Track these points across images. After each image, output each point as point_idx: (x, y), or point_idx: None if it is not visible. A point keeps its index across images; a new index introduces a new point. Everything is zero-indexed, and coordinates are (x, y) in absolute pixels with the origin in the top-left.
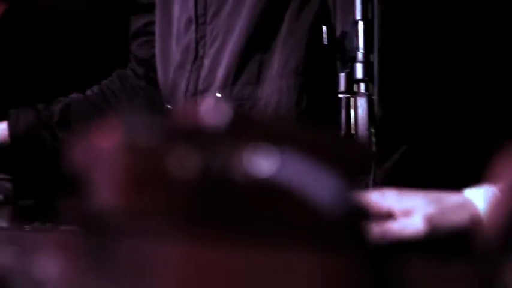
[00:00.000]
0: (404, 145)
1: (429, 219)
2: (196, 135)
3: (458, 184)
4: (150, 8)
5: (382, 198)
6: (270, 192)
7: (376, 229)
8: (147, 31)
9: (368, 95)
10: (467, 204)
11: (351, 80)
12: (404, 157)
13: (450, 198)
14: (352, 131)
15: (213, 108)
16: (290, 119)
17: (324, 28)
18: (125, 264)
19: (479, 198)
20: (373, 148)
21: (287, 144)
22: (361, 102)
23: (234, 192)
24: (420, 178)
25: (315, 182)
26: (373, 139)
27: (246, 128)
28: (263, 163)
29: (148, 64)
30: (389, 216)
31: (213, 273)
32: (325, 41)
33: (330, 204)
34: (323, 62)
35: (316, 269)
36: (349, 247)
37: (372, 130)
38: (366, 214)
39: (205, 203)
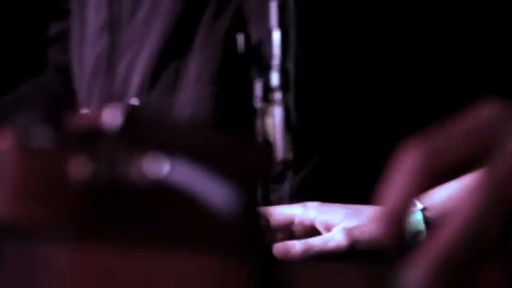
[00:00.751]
0: (321, 153)
1: (349, 233)
2: (89, 139)
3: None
4: (68, 14)
5: (304, 211)
6: (163, 197)
7: (299, 244)
8: (65, 37)
9: (284, 103)
10: None
11: (267, 89)
12: (320, 165)
13: (369, 211)
14: (269, 139)
15: (107, 113)
16: (193, 124)
17: (240, 36)
18: (14, 271)
19: None
20: (290, 156)
21: (183, 148)
22: (277, 111)
23: (126, 196)
24: (336, 187)
25: (209, 187)
26: (290, 147)
27: (142, 132)
28: (156, 167)
29: (66, 71)
30: (311, 228)
31: (106, 279)
32: (241, 49)
33: (224, 209)
34: (239, 70)
35: (209, 275)
36: (244, 253)
37: (288, 138)
38: (263, 221)
39: (96, 208)
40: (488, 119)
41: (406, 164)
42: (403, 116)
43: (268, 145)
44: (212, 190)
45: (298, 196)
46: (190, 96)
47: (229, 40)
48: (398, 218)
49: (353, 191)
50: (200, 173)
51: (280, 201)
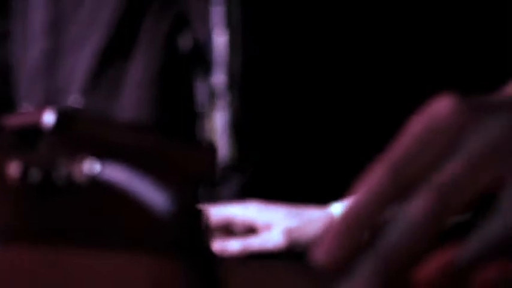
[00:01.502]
0: (265, 154)
1: (288, 233)
2: (23, 138)
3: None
4: (10, 12)
5: (245, 211)
6: (99, 197)
7: (238, 244)
8: (6, 35)
9: (228, 104)
10: (326, 218)
11: (212, 90)
12: (264, 166)
13: (310, 212)
14: (212, 141)
15: (44, 112)
16: (132, 125)
17: (184, 37)
18: None
19: (339, 210)
20: (235, 157)
21: (119, 148)
22: (222, 112)
23: (60, 196)
24: (281, 187)
25: (146, 186)
26: (234, 149)
27: (78, 131)
28: (92, 167)
29: (7, 70)
30: (251, 229)
31: (39, 278)
32: (185, 50)
33: (161, 208)
34: (182, 72)
35: (145, 274)
36: (181, 253)
37: (233, 140)
38: (202, 221)
39: (29, 207)
40: (446, 119)
41: (370, 182)
42: (347, 116)
43: (210, 146)
44: (150, 190)
45: (243, 197)
46: (132, 98)
47: (172, 42)
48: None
49: (297, 191)
50: (137, 172)
51: (225, 202)
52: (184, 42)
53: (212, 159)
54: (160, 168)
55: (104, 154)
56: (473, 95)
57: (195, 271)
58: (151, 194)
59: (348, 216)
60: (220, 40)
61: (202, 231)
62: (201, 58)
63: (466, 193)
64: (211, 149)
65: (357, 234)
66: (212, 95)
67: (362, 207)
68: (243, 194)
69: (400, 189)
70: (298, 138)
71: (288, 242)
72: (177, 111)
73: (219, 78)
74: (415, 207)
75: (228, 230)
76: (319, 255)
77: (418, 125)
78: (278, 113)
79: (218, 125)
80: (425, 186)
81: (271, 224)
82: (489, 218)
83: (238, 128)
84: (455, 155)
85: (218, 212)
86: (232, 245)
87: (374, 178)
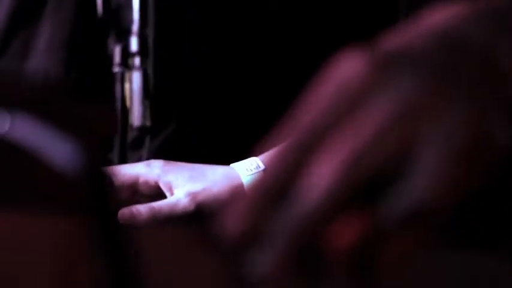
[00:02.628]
0: (179, 119)
1: (195, 197)
2: None
3: (236, 157)
4: None
5: (148, 170)
6: (2, 154)
7: (144, 210)
8: None
9: (143, 68)
10: (230, 177)
11: (126, 54)
12: (177, 131)
13: (214, 171)
14: (127, 105)
15: None
16: (37, 83)
17: (99, 0)
18: None
19: (243, 169)
20: (148, 122)
21: (23, 105)
22: (136, 76)
23: None
24: (193, 153)
25: (51, 144)
26: (148, 113)
27: None
28: None
29: None
30: (155, 188)
31: None
32: (99, 14)
33: (66, 167)
34: (96, 35)
35: (50, 234)
36: (86, 213)
37: (146, 104)
38: (107, 181)
39: None
40: (353, 82)
41: (280, 151)
42: (259, 83)
43: (111, 106)
44: (54, 148)
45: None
46: (41, 62)
47: (86, 5)
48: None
49: (209, 157)
50: (42, 130)
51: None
52: (100, 5)
53: (113, 119)
54: (64, 127)
55: (9, 110)
56: (379, 40)
57: (101, 232)
58: (57, 152)
59: (258, 188)
60: (135, 3)
61: (108, 192)
62: (116, 21)
63: (376, 157)
64: (112, 108)
65: (267, 205)
66: (127, 59)
67: (272, 178)
68: (157, 156)
69: (308, 155)
70: (211, 101)
71: (195, 206)
72: (91, 74)
73: (134, 41)
74: (324, 171)
75: (132, 189)
76: (228, 226)
77: (324, 87)
78: (191, 77)
79: (133, 88)
80: (334, 151)
81: (174, 185)
82: (404, 183)
83: (152, 91)
84: (364, 119)
85: (121, 172)
86: (139, 212)
87: (284, 147)
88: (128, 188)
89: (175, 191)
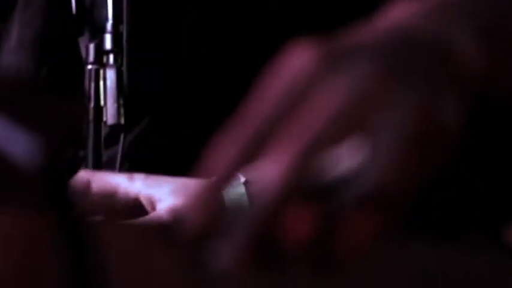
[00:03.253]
0: (152, 116)
1: (176, 212)
2: None
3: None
4: None
5: (130, 183)
6: None
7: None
8: None
9: (117, 66)
10: None
11: (100, 51)
12: (151, 128)
13: (197, 185)
14: (101, 103)
15: None
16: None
17: None
18: None
19: None
20: (122, 119)
21: None
22: (110, 74)
23: None
24: (166, 150)
25: (12, 138)
26: (121, 110)
27: None
28: None
29: None
30: (134, 201)
31: None
32: (73, 11)
33: (27, 161)
34: (70, 32)
35: (9, 229)
36: (46, 208)
37: (120, 101)
38: (69, 176)
39: None
40: (303, 74)
41: (231, 143)
42: (231, 81)
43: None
44: (15, 142)
45: (129, 158)
46: (12, 59)
47: (58, 2)
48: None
49: (183, 154)
50: (3, 125)
51: (111, 164)
52: (72, 2)
53: (81, 116)
54: (27, 121)
55: None
56: (330, 36)
57: (62, 228)
58: (18, 146)
59: (211, 184)
60: (108, 1)
61: (67, 186)
62: (90, 18)
63: (330, 144)
64: (80, 104)
65: (218, 203)
66: (101, 56)
67: (223, 172)
68: (131, 155)
69: (259, 150)
70: (185, 98)
71: (174, 219)
72: (63, 71)
73: (106, 38)
74: (277, 165)
75: (111, 199)
76: (187, 220)
77: (274, 81)
78: (166, 74)
79: (106, 86)
80: (285, 143)
81: (155, 199)
82: (359, 171)
83: (126, 88)
84: (315, 110)
85: (102, 180)
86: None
87: (232, 142)
88: (106, 196)
89: (157, 206)
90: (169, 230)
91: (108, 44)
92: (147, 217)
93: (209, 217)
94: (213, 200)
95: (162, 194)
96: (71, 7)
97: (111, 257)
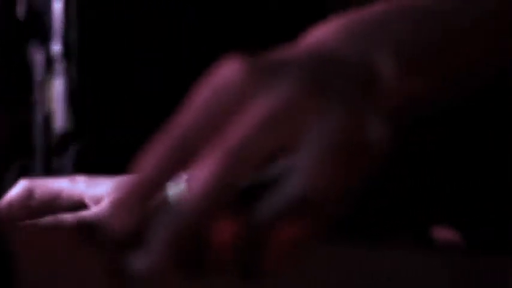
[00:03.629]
0: (103, 124)
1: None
2: None
3: None
4: None
5: (73, 185)
6: None
7: (71, 218)
8: None
9: (67, 73)
10: None
11: (49, 59)
12: (101, 136)
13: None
14: (50, 111)
15: None
16: None
17: (20, 4)
18: None
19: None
20: (71, 128)
21: None
22: (59, 82)
23: None
24: (116, 158)
25: None
26: (71, 118)
27: None
28: None
29: None
30: (79, 203)
31: None
32: (20, 17)
33: None
34: (17, 38)
35: None
36: None
37: (70, 109)
38: None
39: None
40: (231, 84)
41: (155, 154)
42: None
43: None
44: None
45: (80, 166)
46: None
47: (5, 9)
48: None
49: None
50: None
51: (61, 172)
52: (20, 9)
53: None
54: None
55: None
56: (262, 52)
57: None
58: None
59: (133, 189)
60: (58, 7)
61: None
62: (37, 26)
63: (252, 157)
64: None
65: (141, 207)
66: (49, 63)
67: (147, 178)
68: (81, 163)
69: (185, 159)
70: (134, 107)
71: None
72: (12, 79)
73: (56, 46)
74: (201, 173)
75: (55, 204)
76: (110, 226)
77: (203, 91)
78: (115, 82)
79: (55, 93)
80: (211, 151)
81: (100, 196)
82: (282, 180)
83: (75, 96)
84: (242, 120)
85: (44, 186)
86: (65, 216)
87: (159, 150)
88: (49, 201)
89: (101, 204)
90: (93, 231)
91: (57, 51)
92: (88, 211)
93: (129, 220)
94: (134, 203)
95: (106, 192)
96: (16, 12)
97: (32, 263)
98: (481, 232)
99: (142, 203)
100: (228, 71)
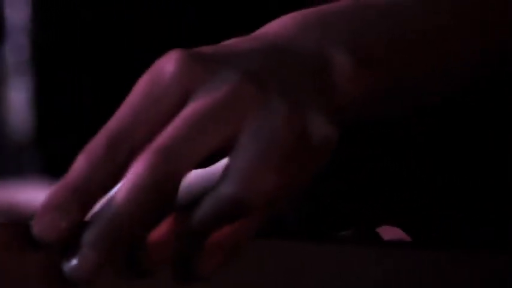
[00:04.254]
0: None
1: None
2: None
3: None
4: None
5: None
6: None
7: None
8: None
9: (26, 80)
10: None
11: (6, 65)
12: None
13: None
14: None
15: None
16: None
17: None
18: None
19: None
20: (32, 135)
21: None
22: (18, 85)
23: None
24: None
25: None
26: (32, 123)
27: None
28: None
29: None
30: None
31: None
32: None
33: None
34: None
35: None
36: None
37: (31, 117)
38: None
39: None
40: (168, 78)
41: (90, 154)
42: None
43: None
44: None
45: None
46: None
47: None
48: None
49: None
50: None
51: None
52: None
53: None
54: None
55: None
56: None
57: None
58: None
59: (66, 190)
60: (16, 13)
61: None
62: None
63: (190, 155)
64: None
65: (75, 208)
66: (7, 70)
67: (81, 179)
68: (46, 168)
69: (121, 159)
70: (96, 109)
71: None
72: None
73: (15, 52)
74: (136, 171)
75: (13, 212)
76: (40, 228)
77: (140, 86)
78: (77, 88)
79: (15, 100)
80: (146, 150)
81: None
82: (218, 183)
83: (36, 103)
84: (179, 116)
85: (3, 194)
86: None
87: (93, 150)
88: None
89: None
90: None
91: (16, 55)
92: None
93: (57, 223)
94: (63, 204)
95: None
96: None
97: None
98: (481, 231)
99: (72, 205)
100: (166, 63)
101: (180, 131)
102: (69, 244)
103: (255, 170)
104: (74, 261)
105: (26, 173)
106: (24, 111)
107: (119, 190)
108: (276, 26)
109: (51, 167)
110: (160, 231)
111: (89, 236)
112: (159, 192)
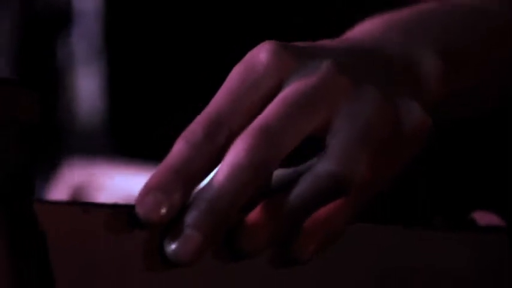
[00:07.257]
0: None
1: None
2: None
3: None
4: None
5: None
6: None
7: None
8: None
9: (97, 65)
10: None
11: (76, 54)
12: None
13: None
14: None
15: None
16: None
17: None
18: None
19: None
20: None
21: None
22: (88, 73)
23: None
24: (153, 148)
25: None
26: (102, 111)
27: None
28: None
29: None
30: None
31: None
32: (45, 14)
33: None
34: (44, 35)
35: None
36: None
37: (99, 103)
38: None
39: None
40: (264, 65)
41: (190, 136)
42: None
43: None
44: None
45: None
46: None
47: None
48: None
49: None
50: None
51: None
52: (45, 6)
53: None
54: None
55: None
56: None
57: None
58: None
59: (168, 172)
60: (83, 4)
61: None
62: (63, 22)
63: (290, 134)
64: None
65: (178, 189)
66: (75, 58)
67: (183, 161)
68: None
69: (220, 142)
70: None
71: None
72: (41, 74)
73: (85, 39)
74: (236, 151)
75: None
76: (143, 209)
77: (236, 73)
78: (144, 75)
79: (84, 88)
80: (246, 131)
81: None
82: (316, 163)
83: (108, 91)
84: (277, 98)
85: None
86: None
87: (192, 134)
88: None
89: None
90: (128, 215)
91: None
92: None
93: (164, 204)
94: (169, 186)
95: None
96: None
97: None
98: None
99: (174, 185)
100: (260, 53)
101: (281, 111)
102: (169, 226)
103: (353, 149)
104: (177, 243)
105: (100, 155)
106: (93, 100)
107: (220, 170)
108: (360, 31)
109: (122, 155)
110: (257, 213)
111: (191, 217)
112: (259, 171)
